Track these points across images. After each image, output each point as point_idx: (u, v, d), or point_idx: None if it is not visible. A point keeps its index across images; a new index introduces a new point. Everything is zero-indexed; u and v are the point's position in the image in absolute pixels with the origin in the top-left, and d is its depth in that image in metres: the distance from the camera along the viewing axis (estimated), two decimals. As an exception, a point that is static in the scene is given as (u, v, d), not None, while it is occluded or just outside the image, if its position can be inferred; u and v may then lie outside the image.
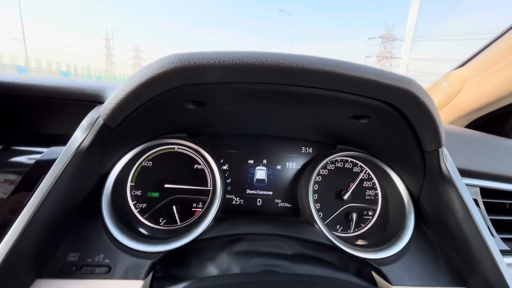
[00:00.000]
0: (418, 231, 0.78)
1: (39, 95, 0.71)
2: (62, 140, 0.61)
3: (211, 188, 0.90)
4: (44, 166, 0.58)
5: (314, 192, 0.94)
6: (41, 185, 0.55)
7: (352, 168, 0.96)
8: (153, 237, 0.77)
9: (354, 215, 0.91)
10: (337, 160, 0.96)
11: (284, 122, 0.84)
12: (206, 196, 0.90)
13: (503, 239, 0.74)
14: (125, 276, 0.62)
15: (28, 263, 0.55)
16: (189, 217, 0.88)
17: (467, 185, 0.70)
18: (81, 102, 0.71)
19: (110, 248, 0.65)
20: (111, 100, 0.54)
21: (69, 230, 0.65)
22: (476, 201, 0.76)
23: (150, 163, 0.87)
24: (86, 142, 0.59)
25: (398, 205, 0.85)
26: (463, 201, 0.66)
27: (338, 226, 0.94)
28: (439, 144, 0.62)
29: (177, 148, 0.89)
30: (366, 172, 0.95)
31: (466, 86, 1.14)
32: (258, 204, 0.95)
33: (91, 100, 0.71)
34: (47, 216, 0.56)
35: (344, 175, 0.95)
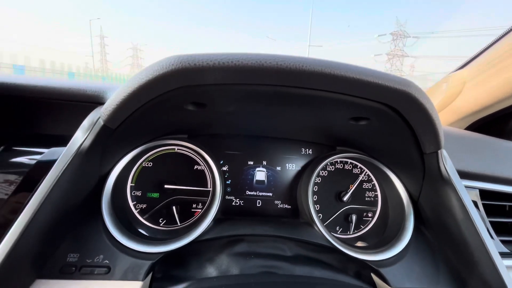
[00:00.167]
0: (417, 233, 0.78)
1: (40, 96, 0.72)
2: (63, 140, 0.62)
3: (211, 189, 0.90)
4: (44, 166, 0.59)
5: (314, 193, 0.94)
6: (41, 185, 0.55)
7: (351, 169, 0.96)
8: (152, 238, 0.77)
9: (354, 217, 0.91)
10: (337, 161, 0.96)
11: (283, 124, 0.84)
12: (206, 197, 0.90)
13: (503, 241, 0.74)
14: (125, 276, 0.62)
15: (28, 263, 0.55)
16: (189, 217, 0.88)
17: (466, 187, 0.70)
18: (81, 103, 0.72)
19: (110, 249, 0.66)
20: (112, 101, 0.54)
21: (69, 231, 0.66)
22: (475, 203, 0.76)
23: (150, 164, 0.88)
24: (87, 143, 0.60)
25: (397, 207, 0.85)
26: (463, 203, 0.66)
27: (337, 228, 0.94)
28: (438, 146, 0.62)
29: (177, 149, 0.89)
30: (366, 174, 0.95)
31: (465, 88, 1.14)
32: (257, 205, 0.95)
33: (91, 101, 0.71)
34: (47, 217, 0.56)
35: (344, 176, 0.95)
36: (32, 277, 0.58)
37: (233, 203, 0.94)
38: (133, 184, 0.86)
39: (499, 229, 0.76)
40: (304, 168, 0.96)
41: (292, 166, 0.97)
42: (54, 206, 0.57)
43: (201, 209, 0.89)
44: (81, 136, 0.60)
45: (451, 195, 0.68)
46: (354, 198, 0.93)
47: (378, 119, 0.64)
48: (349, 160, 0.96)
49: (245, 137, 0.96)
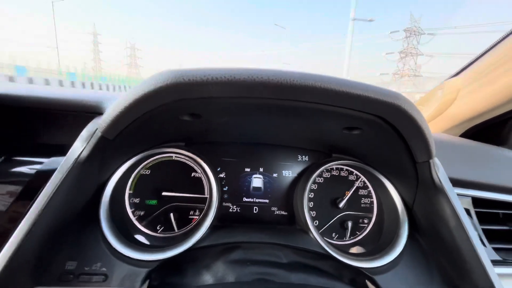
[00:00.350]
0: (411, 240, 0.79)
1: (39, 106, 0.73)
2: (62, 150, 0.63)
3: (208, 196, 0.91)
4: (44, 176, 0.60)
5: (310, 200, 0.95)
6: (40, 194, 0.57)
7: (347, 176, 0.97)
8: (149, 246, 0.78)
9: (350, 223, 0.92)
10: (333, 168, 0.97)
11: (279, 132, 0.85)
12: (203, 204, 0.91)
13: (495, 249, 0.75)
14: (122, 284, 0.63)
15: (26, 271, 0.56)
16: (187, 224, 0.89)
17: (459, 195, 0.71)
18: (80, 113, 0.73)
19: (107, 257, 0.67)
20: (109, 114, 0.56)
21: (68, 239, 0.67)
22: (468, 210, 0.77)
23: (148, 171, 0.89)
24: (85, 153, 0.61)
25: (392, 214, 0.86)
26: (455, 211, 0.67)
27: (333, 234, 0.94)
28: (429, 156, 0.63)
29: (175, 157, 0.91)
30: (362, 180, 0.96)
31: (460, 95, 1.15)
32: (254, 212, 0.96)
33: (90, 111, 0.73)
34: (47, 225, 0.57)
35: (340, 183, 0.96)
36: (30, 285, 0.58)
37: (230, 210, 0.95)
38: (132, 192, 0.87)
39: (492, 236, 0.76)
40: (300, 175, 0.97)
41: (289, 173, 0.98)
42: (53, 215, 0.58)
43: (199, 216, 0.90)
44: (80, 146, 0.62)
45: (443, 203, 0.69)
46: (350, 205, 0.94)
47: (371, 129, 0.65)
48: (345, 167, 0.97)
49: (241, 144, 0.97)
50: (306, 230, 0.83)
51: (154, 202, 0.88)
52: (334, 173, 0.97)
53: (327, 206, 0.95)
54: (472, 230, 0.66)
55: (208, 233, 0.79)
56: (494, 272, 0.62)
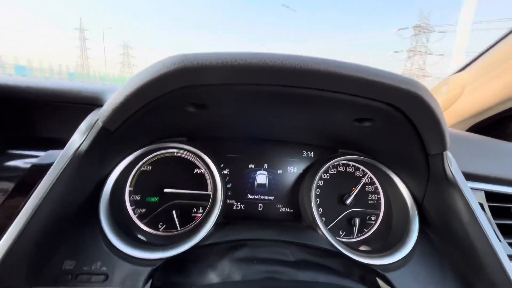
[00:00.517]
0: (422, 236, 0.77)
1: (36, 97, 0.70)
2: (60, 143, 0.60)
3: (211, 193, 0.88)
4: (40, 170, 0.57)
5: (316, 196, 0.92)
6: (37, 190, 0.53)
7: (354, 172, 0.95)
8: (152, 244, 0.75)
9: (357, 220, 0.90)
10: (339, 164, 0.95)
11: (285, 126, 0.83)
12: (206, 201, 0.88)
13: (510, 244, 0.73)
14: (123, 284, 0.60)
15: (21, 272, 0.53)
16: (189, 222, 0.86)
17: (471, 189, 0.69)
18: (79, 105, 0.70)
19: (108, 255, 0.63)
20: (111, 102, 0.53)
21: (65, 237, 0.63)
22: (481, 205, 0.75)
23: (149, 168, 0.86)
24: (84, 146, 0.58)
25: (401, 210, 0.84)
26: (469, 205, 0.65)
27: (341, 231, 0.92)
28: (443, 147, 0.61)
29: (177, 152, 0.88)
30: (369, 177, 0.94)
31: (466, 90, 1.14)
32: (259, 209, 0.93)
33: (89, 103, 0.70)
34: (43, 222, 0.54)
35: (346, 179, 0.94)
36: (26, 286, 0.55)
37: (234, 207, 0.93)
38: (132, 188, 0.84)
39: (505, 231, 0.74)
40: (305, 171, 0.95)
41: (294, 169, 0.96)
42: (50, 211, 0.55)
43: (202, 213, 0.87)
44: (79, 139, 0.59)
45: (456, 197, 0.67)
46: (357, 201, 0.92)
47: (383, 120, 0.63)
48: (351, 163, 0.95)
49: (245, 139, 0.95)
50: (314, 227, 0.81)
51: (155, 199, 0.85)
52: (341, 169, 0.95)
53: (334, 203, 0.93)
54: (487, 224, 0.64)
55: (213, 230, 0.76)
56: (511, 267, 0.60)
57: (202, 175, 0.89)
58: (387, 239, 0.85)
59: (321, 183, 0.94)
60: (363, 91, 0.52)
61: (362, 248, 0.88)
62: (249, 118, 0.75)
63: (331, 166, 0.94)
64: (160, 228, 0.84)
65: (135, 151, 0.77)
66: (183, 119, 0.70)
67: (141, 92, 0.49)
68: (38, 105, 0.72)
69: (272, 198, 0.94)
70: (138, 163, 0.84)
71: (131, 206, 0.83)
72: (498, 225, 0.74)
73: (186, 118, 0.69)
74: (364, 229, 0.93)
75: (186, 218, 0.86)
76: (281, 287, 0.62)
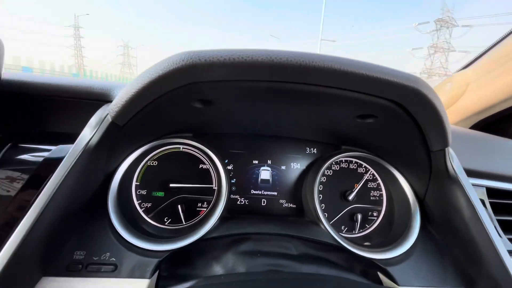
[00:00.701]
0: (424, 231, 0.78)
1: (47, 93, 0.72)
2: (70, 138, 0.62)
3: (216, 188, 0.90)
4: (52, 164, 0.59)
5: (319, 192, 0.94)
6: (48, 183, 0.55)
7: (356, 168, 0.96)
8: (159, 236, 0.77)
9: (359, 216, 0.91)
10: (342, 160, 0.96)
11: (289, 123, 0.84)
12: (211, 196, 0.90)
13: (511, 240, 0.74)
14: (131, 274, 0.62)
15: (34, 260, 0.55)
16: (194, 216, 0.88)
17: (473, 185, 0.70)
18: (89, 100, 0.72)
19: (116, 247, 0.65)
20: (121, 97, 0.54)
21: (75, 228, 0.65)
22: (482, 201, 0.75)
23: (155, 163, 0.88)
24: (94, 140, 0.60)
25: (403, 206, 0.85)
26: (470, 201, 0.66)
27: (343, 227, 0.93)
28: (445, 144, 0.62)
29: (183, 148, 0.89)
30: (371, 173, 0.95)
31: (470, 88, 1.14)
32: (262, 204, 0.95)
33: (99, 98, 0.71)
34: (54, 214, 0.56)
35: (349, 175, 0.95)
36: (38, 274, 0.57)
37: (238, 202, 0.94)
38: (138, 183, 0.86)
39: (506, 227, 0.75)
40: (309, 167, 0.96)
41: (297, 165, 0.97)
42: (61, 204, 0.57)
43: (206, 208, 0.89)
44: (89, 133, 0.60)
45: (458, 193, 0.68)
46: (359, 197, 0.93)
47: (385, 117, 0.64)
48: (354, 159, 0.96)
49: (249, 136, 0.96)
50: (317, 222, 0.82)
51: (161, 194, 0.87)
52: (343, 165, 0.96)
53: (336, 198, 0.94)
54: (488, 221, 0.65)
55: (218, 224, 0.78)
56: (511, 262, 0.61)
57: (207, 170, 0.91)
58: (389, 235, 0.86)
59: (324, 179, 0.95)
60: (366, 88, 0.53)
61: (364, 243, 0.89)
62: (254, 114, 0.76)
63: (334, 163, 0.95)
64: (165, 222, 0.86)
65: (142, 146, 0.79)
66: (190, 115, 0.71)
67: (149, 88, 0.50)
68: (50, 101, 0.74)
69: (275, 193, 0.96)
70: (145, 158, 0.86)
71: (137, 200, 0.85)
72: (499, 221, 0.75)
73: (192, 114, 0.70)
74: (366, 225, 0.94)
75: (191, 212, 0.88)
76: (284, 279, 0.63)
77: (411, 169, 0.81)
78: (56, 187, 0.55)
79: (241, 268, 0.67)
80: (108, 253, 0.64)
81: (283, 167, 0.97)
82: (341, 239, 0.77)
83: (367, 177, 0.94)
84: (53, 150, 0.65)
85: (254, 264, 0.69)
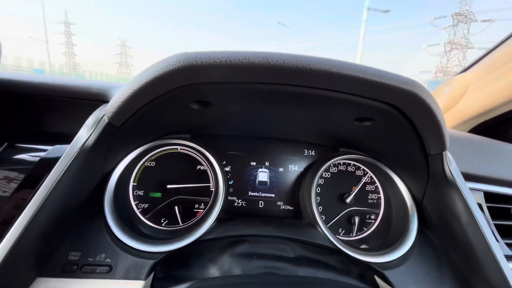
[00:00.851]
0: (421, 235, 0.77)
1: (44, 93, 0.72)
2: (67, 138, 0.61)
3: (213, 189, 0.89)
4: (48, 164, 0.58)
5: (317, 195, 0.93)
6: (44, 183, 0.55)
7: (354, 171, 0.96)
8: (155, 237, 0.77)
9: (357, 219, 0.91)
10: (340, 163, 0.96)
11: (287, 125, 0.84)
12: (208, 198, 0.89)
13: (508, 245, 0.74)
14: (126, 276, 0.61)
15: (29, 261, 0.55)
16: (191, 218, 0.87)
17: (470, 189, 0.70)
18: (86, 101, 0.72)
19: (112, 248, 0.65)
20: (117, 98, 0.54)
21: (71, 229, 0.65)
22: (480, 205, 0.75)
23: (153, 163, 0.87)
24: (91, 141, 0.60)
25: (401, 209, 0.85)
26: (467, 205, 0.66)
27: (340, 230, 0.93)
28: (443, 148, 0.62)
29: (180, 149, 0.89)
30: (369, 176, 0.95)
31: (468, 91, 1.14)
32: (260, 206, 0.95)
33: (96, 99, 0.71)
34: (50, 215, 0.56)
35: (347, 178, 0.95)
36: (33, 275, 0.57)
37: (235, 204, 0.94)
38: (135, 184, 0.86)
39: (503, 232, 0.75)
40: (306, 170, 0.96)
41: (295, 167, 0.97)
42: (57, 204, 0.57)
43: (203, 209, 0.89)
44: (86, 134, 0.60)
45: (455, 197, 0.68)
46: (357, 200, 0.93)
47: (383, 120, 0.64)
48: (352, 162, 0.96)
49: (247, 138, 0.96)
50: (314, 225, 0.82)
51: (158, 194, 0.87)
52: (341, 168, 0.96)
53: (334, 201, 0.94)
54: (485, 225, 0.65)
55: (214, 225, 0.77)
56: (508, 267, 0.61)
57: (205, 171, 0.90)
58: (386, 238, 0.86)
59: (321, 181, 0.95)
60: (363, 91, 0.53)
61: (361, 246, 0.89)
62: (251, 116, 0.76)
63: (331, 165, 0.95)
64: (162, 223, 0.85)
65: (139, 146, 0.79)
66: (187, 116, 0.71)
67: (146, 89, 0.50)
68: (47, 100, 0.74)
69: (273, 195, 0.95)
70: (142, 158, 0.85)
71: (134, 201, 0.85)
72: (497, 226, 0.75)
73: (189, 115, 0.70)
74: (364, 228, 0.94)
75: (188, 213, 0.87)
76: (280, 282, 0.63)
77: (409, 172, 0.81)
78: (52, 187, 0.55)
79: (237, 270, 0.67)
80: (103, 254, 0.63)
81: (281, 169, 0.97)
82: (338, 242, 0.76)
83: (365, 180, 0.94)
84: (50, 150, 0.65)
85: (250, 267, 0.68)
